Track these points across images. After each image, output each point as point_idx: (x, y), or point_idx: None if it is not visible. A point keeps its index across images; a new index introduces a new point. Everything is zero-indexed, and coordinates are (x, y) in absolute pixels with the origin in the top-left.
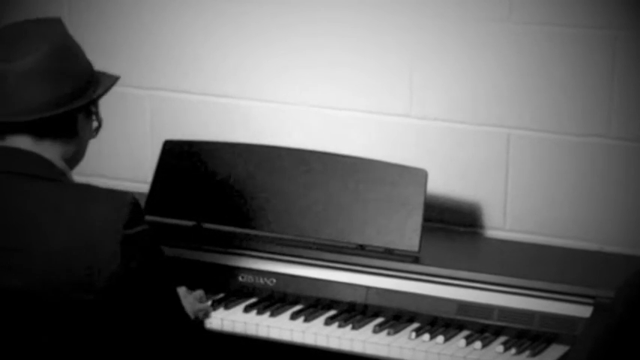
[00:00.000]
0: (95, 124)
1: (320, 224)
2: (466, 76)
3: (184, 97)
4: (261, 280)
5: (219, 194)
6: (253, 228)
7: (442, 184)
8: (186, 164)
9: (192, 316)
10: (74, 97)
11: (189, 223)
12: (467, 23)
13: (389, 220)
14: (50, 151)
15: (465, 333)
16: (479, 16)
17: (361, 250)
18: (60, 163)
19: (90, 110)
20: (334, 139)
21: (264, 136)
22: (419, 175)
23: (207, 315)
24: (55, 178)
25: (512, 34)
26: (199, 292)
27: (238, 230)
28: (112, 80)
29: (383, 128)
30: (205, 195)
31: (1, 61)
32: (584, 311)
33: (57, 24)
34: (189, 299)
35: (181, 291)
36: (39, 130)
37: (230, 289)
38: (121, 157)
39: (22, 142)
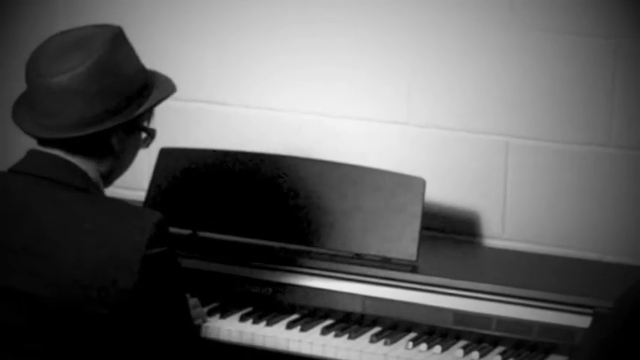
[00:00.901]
0: (144, 134)
1: (317, 232)
2: (465, 83)
3: (180, 105)
4: (257, 289)
5: (215, 202)
6: (249, 236)
7: (440, 192)
8: (182, 172)
9: None
10: (107, 116)
11: (185, 232)
12: (466, 30)
13: (386, 228)
14: (85, 163)
15: (463, 343)
16: (478, 23)
17: (358, 258)
18: (95, 175)
19: (133, 125)
20: (331, 147)
21: (260, 144)
22: (417, 184)
23: (203, 321)
24: (87, 188)
25: (512, 42)
26: (194, 300)
27: (234, 239)
28: (161, 96)
29: (381, 136)
30: (201, 203)
31: (39, 75)
32: (583, 321)
33: (109, 34)
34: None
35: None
36: (69, 146)
37: (226, 297)
38: None
39: (59, 151)
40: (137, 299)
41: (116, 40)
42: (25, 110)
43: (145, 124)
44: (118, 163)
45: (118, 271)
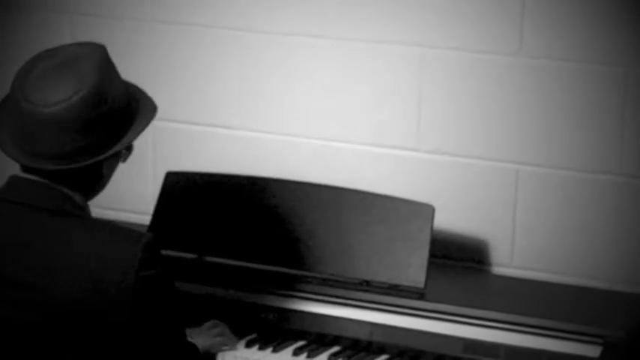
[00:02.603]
0: (124, 151)
1: (324, 259)
2: (475, 110)
3: (187, 128)
4: (264, 315)
5: (221, 227)
6: (256, 262)
7: (449, 219)
8: (189, 196)
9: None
10: (103, 145)
11: (191, 256)
12: (476, 58)
13: (394, 255)
14: (70, 186)
15: None
16: (488, 50)
17: (366, 285)
18: (80, 199)
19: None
20: (340, 173)
21: (267, 169)
22: (426, 211)
23: (231, 347)
24: (74, 214)
25: (522, 70)
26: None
27: (240, 264)
28: (149, 116)
29: (390, 162)
30: (207, 227)
31: (29, 102)
32: (593, 351)
33: (97, 58)
34: (212, 333)
35: (209, 323)
36: (60, 175)
37: (232, 323)
38: (123, 188)
39: (44, 179)
40: (131, 323)
41: (104, 64)
42: (9, 134)
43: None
44: (101, 185)
45: (110, 297)
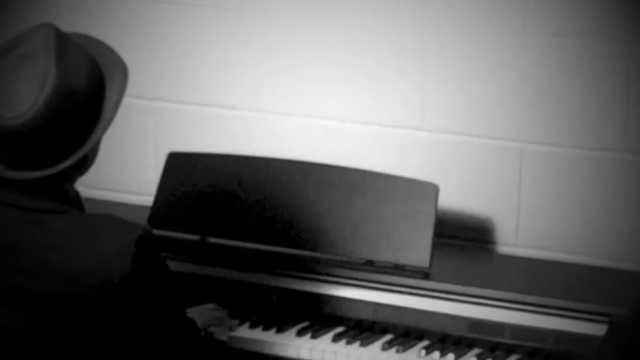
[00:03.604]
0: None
1: (328, 239)
2: (478, 88)
3: (189, 109)
4: (267, 296)
5: (224, 208)
6: (259, 242)
7: (454, 198)
8: (191, 177)
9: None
10: (77, 140)
11: (194, 237)
12: (480, 36)
13: (399, 235)
14: (63, 181)
15: (476, 351)
16: (492, 28)
17: (370, 265)
18: (72, 190)
19: None
20: (343, 152)
21: (270, 149)
22: (430, 190)
23: (231, 330)
24: (67, 210)
25: (526, 47)
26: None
27: (243, 245)
28: (118, 97)
29: (394, 141)
30: (210, 208)
31: None
32: (598, 329)
33: (50, 46)
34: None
35: (210, 305)
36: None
37: (235, 305)
38: (124, 169)
39: (30, 173)
40: (129, 316)
41: (60, 50)
42: None
43: None
44: (89, 165)
45: (105, 292)
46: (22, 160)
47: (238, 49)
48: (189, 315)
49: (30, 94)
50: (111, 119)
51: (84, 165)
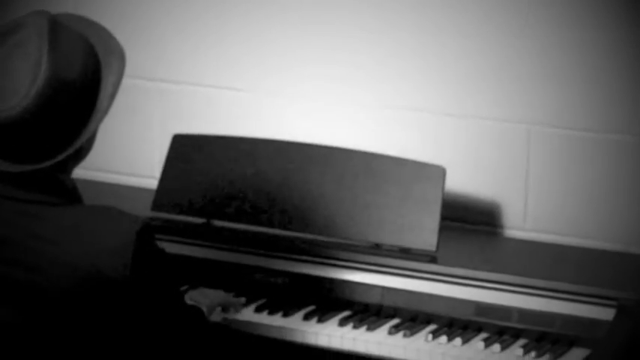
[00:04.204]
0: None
1: (334, 222)
2: (484, 69)
3: (194, 90)
4: (274, 280)
5: (229, 191)
6: (264, 226)
7: (461, 181)
8: (196, 159)
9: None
10: (77, 129)
11: (199, 220)
12: (486, 15)
13: (406, 218)
14: (59, 171)
15: (484, 335)
16: (499, 8)
17: (377, 249)
18: (69, 180)
19: None
20: (350, 135)
21: (276, 131)
22: (436, 172)
23: (236, 310)
24: (64, 202)
25: (534, 27)
26: (220, 292)
27: (249, 228)
28: (114, 85)
29: (400, 123)
30: (215, 191)
31: None
32: (606, 314)
33: (43, 35)
34: (221, 295)
35: (220, 293)
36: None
37: (241, 288)
38: (129, 151)
39: (26, 166)
40: (128, 310)
41: (54, 40)
42: None
43: None
44: (86, 151)
45: (104, 285)
46: (15, 153)
47: (249, 32)
48: (192, 297)
49: (22, 86)
50: (106, 110)
51: (79, 155)
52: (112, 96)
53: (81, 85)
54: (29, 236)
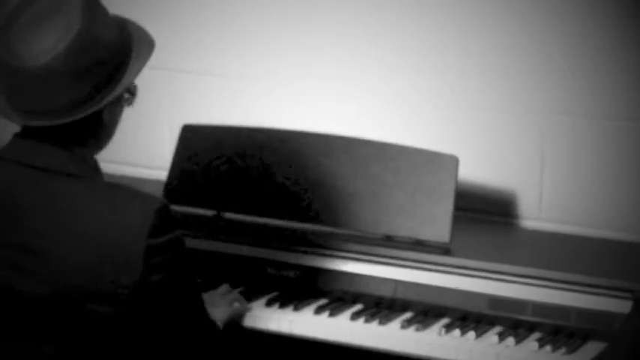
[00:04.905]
0: (128, 95)
1: (345, 213)
2: (498, 57)
3: (205, 80)
4: (285, 273)
5: (240, 182)
6: (276, 217)
7: (474, 170)
8: (206, 150)
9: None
10: (98, 91)
11: (209, 213)
12: (503, 8)
13: (418, 209)
14: (75, 141)
15: (498, 329)
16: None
17: (389, 241)
18: (90, 157)
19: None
20: (362, 124)
21: (287, 120)
22: (450, 162)
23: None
24: (85, 175)
25: (547, 19)
26: (225, 287)
27: (260, 220)
28: (147, 55)
29: (413, 113)
30: (226, 183)
31: (15, 56)
32: (623, 306)
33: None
34: (228, 300)
35: (223, 289)
36: (61, 130)
37: (252, 281)
38: (138, 142)
39: (48, 136)
40: (143, 294)
41: (90, 4)
42: (4, 96)
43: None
44: (108, 133)
45: (119, 266)
46: (36, 107)
47: (261, 22)
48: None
49: (51, 40)
50: (128, 85)
51: (99, 131)
52: (137, 72)
53: (110, 51)
54: (49, 207)
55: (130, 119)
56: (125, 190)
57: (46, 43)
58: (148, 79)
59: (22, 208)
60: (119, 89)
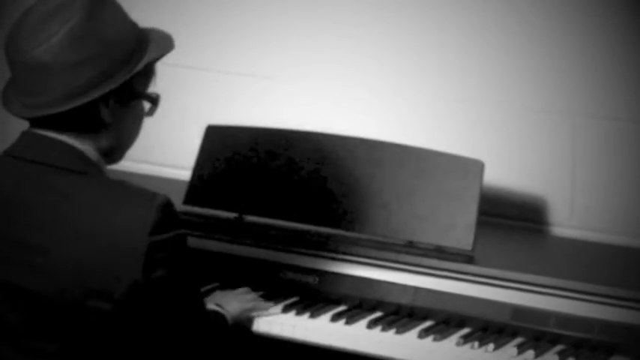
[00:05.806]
0: (146, 102)
1: (367, 218)
2: (527, 59)
3: (230, 79)
4: (304, 278)
5: (263, 184)
6: (297, 221)
7: (501, 175)
8: (230, 151)
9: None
10: (92, 86)
11: (231, 215)
12: (529, 8)
13: (441, 215)
14: (81, 142)
15: (519, 340)
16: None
17: (410, 247)
18: (94, 154)
19: (127, 92)
20: (384, 126)
21: (311, 122)
22: (475, 166)
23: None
24: (85, 171)
25: (575, 19)
26: (245, 289)
27: (281, 223)
28: (153, 57)
29: (436, 115)
30: (249, 185)
31: (17, 52)
32: None
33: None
34: (247, 298)
35: (242, 290)
36: (59, 124)
37: (270, 286)
38: (161, 141)
39: (52, 132)
40: (144, 292)
41: (96, 2)
42: (11, 92)
43: (143, 89)
44: (116, 137)
45: (120, 262)
46: (32, 99)
47: (284, 21)
48: (216, 301)
49: (47, 33)
50: (119, 83)
51: (98, 127)
52: (143, 62)
53: (109, 49)
54: (49, 202)
55: (154, 118)
56: (127, 187)
57: (42, 37)
58: (172, 76)
59: (23, 203)
60: (110, 86)
